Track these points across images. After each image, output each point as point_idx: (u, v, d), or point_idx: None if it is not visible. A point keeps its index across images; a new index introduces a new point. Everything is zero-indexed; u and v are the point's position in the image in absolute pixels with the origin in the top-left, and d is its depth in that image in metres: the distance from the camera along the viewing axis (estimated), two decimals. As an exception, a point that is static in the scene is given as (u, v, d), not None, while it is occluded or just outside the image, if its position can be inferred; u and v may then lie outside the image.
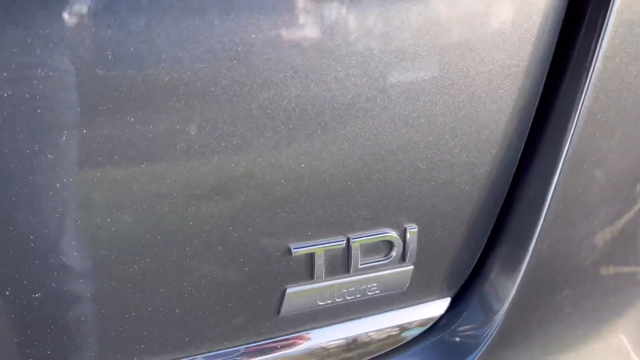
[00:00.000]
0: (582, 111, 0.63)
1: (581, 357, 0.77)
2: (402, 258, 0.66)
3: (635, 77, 0.64)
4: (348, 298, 0.65)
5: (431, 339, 0.73)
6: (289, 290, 0.62)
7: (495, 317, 0.71)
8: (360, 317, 0.69)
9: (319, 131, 0.55)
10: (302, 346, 0.67)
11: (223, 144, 0.52)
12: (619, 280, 0.77)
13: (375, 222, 0.63)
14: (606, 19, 0.59)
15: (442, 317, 0.74)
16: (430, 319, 0.73)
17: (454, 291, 0.73)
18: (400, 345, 0.72)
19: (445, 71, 0.58)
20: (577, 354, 0.77)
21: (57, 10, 0.43)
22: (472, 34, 0.58)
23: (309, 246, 0.60)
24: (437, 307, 0.73)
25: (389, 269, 0.66)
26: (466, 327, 0.73)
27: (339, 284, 0.64)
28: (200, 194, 0.53)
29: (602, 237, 0.72)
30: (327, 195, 0.59)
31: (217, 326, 0.61)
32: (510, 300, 0.69)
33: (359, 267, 0.64)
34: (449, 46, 0.57)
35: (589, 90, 0.62)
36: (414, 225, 0.65)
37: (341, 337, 0.68)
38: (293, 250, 0.60)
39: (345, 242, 0.62)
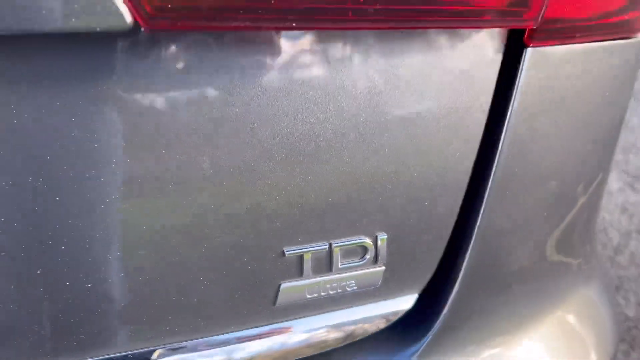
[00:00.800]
0: (503, 150, 0.81)
1: (520, 339, 0.92)
2: (375, 260, 0.82)
3: (544, 126, 0.82)
4: (331, 292, 0.81)
5: (389, 330, 0.89)
6: (283, 285, 0.78)
7: (441, 309, 0.87)
8: (341, 309, 0.85)
9: (305, 160, 0.71)
10: (294, 332, 0.82)
11: (231, 171, 0.68)
12: (552, 273, 0.94)
13: (352, 231, 0.79)
14: (516, 84, 0.77)
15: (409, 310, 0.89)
16: (400, 311, 0.88)
17: (421, 288, 0.89)
18: (371, 335, 0.88)
19: (404, 112, 0.74)
20: (514, 337, 0.92)
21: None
22: (427, 85, 0.74)
23: (299, 249, 0.76)
24: (407, 301, 0.89)
25: (364, 269, 0.82)
26: (416, 317, 0.89)
27: (324, 280, 0.80)
28: (213, 209, 0.69)
29: (531, 243, 0.89)
30: (313, 210, 0.75)
31: (224, 313, 0.77)
32: (454, 293, 0.86)
33: (340, 267, 0.80)
34: (408, 92, 0.73)
35: (507, 136, 0.79)
36: (384, 234, 0.81)
37: (325, 325, 0.84)
38: (286, 253, 0.76)
39: (328, 246, 0.78)
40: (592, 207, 1.00)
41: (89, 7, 0.50)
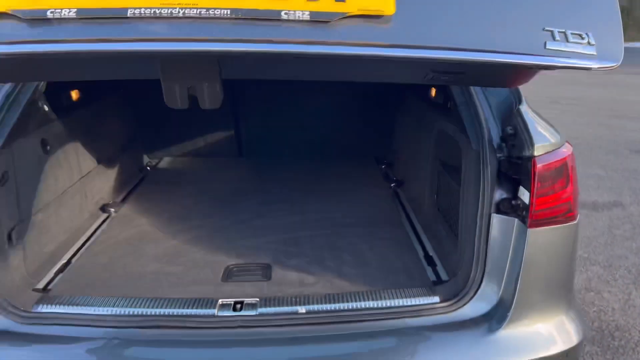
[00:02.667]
0: None
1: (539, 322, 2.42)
2: (589, 44, 1.87)
3: None
4: (570, 49, 1.86)
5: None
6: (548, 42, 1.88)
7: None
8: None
9: None
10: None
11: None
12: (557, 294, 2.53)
13: (581, 27, 1.88)
14: None
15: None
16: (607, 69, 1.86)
17: (620, 59, 1.85)
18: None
19: None
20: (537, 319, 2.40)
21: None
22: None
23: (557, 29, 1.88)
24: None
25: (587, 44, 1.85)
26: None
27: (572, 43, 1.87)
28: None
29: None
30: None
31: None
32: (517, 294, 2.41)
33: (570, 42, 1.86)
34: None
35: None
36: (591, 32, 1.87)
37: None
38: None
39: (565, 32, 1.87)
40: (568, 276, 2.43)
41: None
